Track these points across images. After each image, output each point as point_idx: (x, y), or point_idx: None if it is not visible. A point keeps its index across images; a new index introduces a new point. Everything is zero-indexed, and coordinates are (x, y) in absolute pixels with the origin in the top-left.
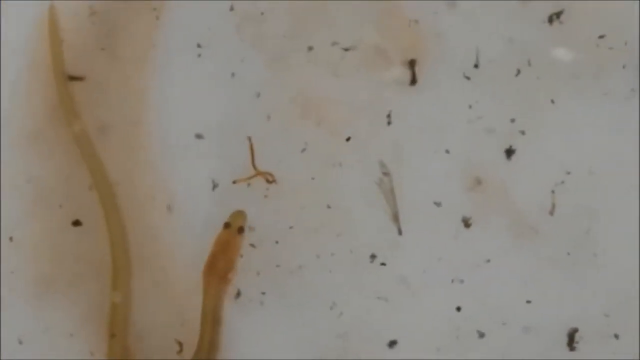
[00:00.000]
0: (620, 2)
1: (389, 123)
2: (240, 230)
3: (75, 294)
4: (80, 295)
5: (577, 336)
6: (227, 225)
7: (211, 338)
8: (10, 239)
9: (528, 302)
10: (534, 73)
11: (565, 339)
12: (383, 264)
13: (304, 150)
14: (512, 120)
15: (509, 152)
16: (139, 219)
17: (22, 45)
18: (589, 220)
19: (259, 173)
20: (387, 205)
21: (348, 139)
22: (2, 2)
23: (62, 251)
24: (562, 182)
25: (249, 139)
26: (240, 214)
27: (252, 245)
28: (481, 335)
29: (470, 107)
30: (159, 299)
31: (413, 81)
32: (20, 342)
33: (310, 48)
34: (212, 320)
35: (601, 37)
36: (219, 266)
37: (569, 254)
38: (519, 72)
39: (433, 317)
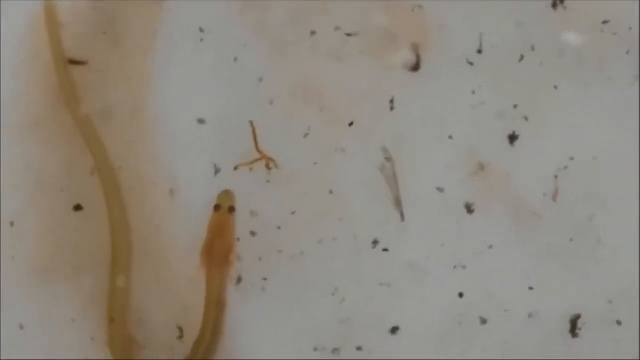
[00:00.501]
0: None
1: (392, 109)
2: (232, 209)
3: (77, 279)
4: (82, 280)
5: (579, 323)
6: (217, 208)
7: (215, 323)
8: (11, 224)
9: (530, 288)
10: (537, 59)
11: (567, 326)
12: (385, 250)
13: (306, 135)
14: (516, 106)
15: (512, 138)
16: (141, 204)
17: (21, 32)
18: (592, 207)
19: (262, 157)
20: (389, 191)
21: (351, 125)
22: None
23: (63, 236)
24: (566, 168)
25: (251, 123)
26: (227, 194)
27: (253, 233)
28: (483, 321)
29: (473, 92)
30: (160, 284)
31: (416, 67)
32: (22, 328)
33: (313, 33)
34: (215, 305)
35: (605, 22)
36: (217, 251)
37: (572, 240)
38: (522, 57)
39: (435, 304)
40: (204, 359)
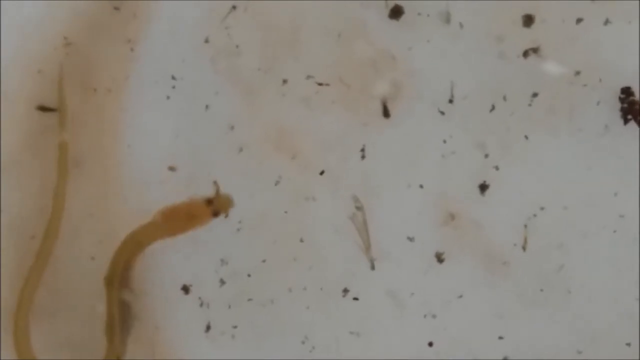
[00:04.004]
0: (595, 40)
1: (362, 157)
2: (216, 214)
3: (46, 326)
4: (52, 328)
5: None
6: (209, 202)
7: (129, 257)
8: None
9: (500, 338)
10: (508, 109)
11: None
12: (355, 298)
13: (277, 183)
14: (486, 156)
15: (483, 188)
16: (111, 252)
17: None
18: (562, 257)
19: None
20: (360, 240)
21: (322, 173)
22: None
23: None
24: (535, 216)
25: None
26: (227, 202)
27: (222, 281)
28: None
29: (444, 142)
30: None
31: (387, 114)
32: None
33: (284, 82)
34: (137, 242)
35: (577, 73)
36: (175, 222)
37: (541, 290)
38: (493, 107)
39: (405, 352)
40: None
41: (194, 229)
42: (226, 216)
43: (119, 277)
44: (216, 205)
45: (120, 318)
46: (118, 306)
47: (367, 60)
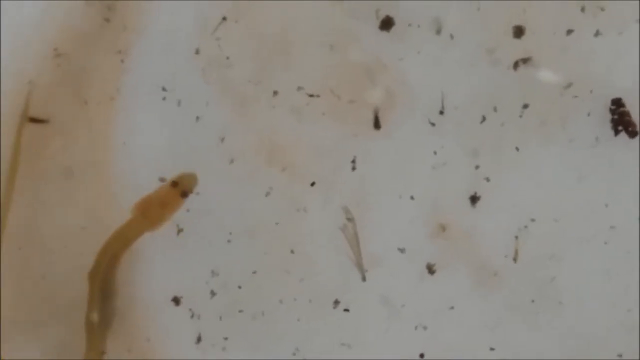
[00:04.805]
0: (586, 52)
1: (353, 168)
2: (184, 195)
3: (40, 335)
4: (46, 337)
5: None
6: (174, 184)
7: (114, 254)
8: None
9: (492, 349)
10: (499, 120)
11: None
12: (346, 310)
13: (268, 194)
14: (477, 167)
15: (474, 199)
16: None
17: None
18: (553, 268)
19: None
20: (350, 251)
21: (312, 184)
22: None
23: (25, 292)
24: (526, 227)
25: None
26: (191, 180)
27: (213, 293)
28: None
29: (435, 153)
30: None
31: (378, 125)
32: None
33: (275, 93)
34: (122, 239)
35: (567, 85)
36: (151, 213)
37: (533, 301)
38: (484, 118)
39: None
40: (101, 290)
41: (171, 215)
42: (185, 195)
43: (103, 273)
44: (181, 186)
45: (100, 313)
46: (99, 302)
47: (358, 72)
